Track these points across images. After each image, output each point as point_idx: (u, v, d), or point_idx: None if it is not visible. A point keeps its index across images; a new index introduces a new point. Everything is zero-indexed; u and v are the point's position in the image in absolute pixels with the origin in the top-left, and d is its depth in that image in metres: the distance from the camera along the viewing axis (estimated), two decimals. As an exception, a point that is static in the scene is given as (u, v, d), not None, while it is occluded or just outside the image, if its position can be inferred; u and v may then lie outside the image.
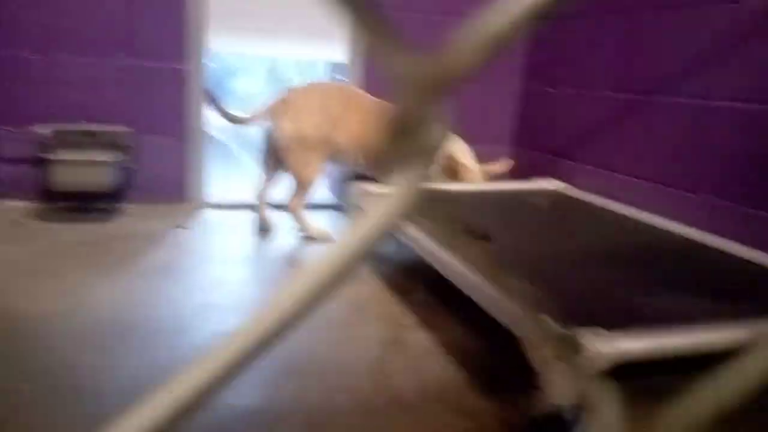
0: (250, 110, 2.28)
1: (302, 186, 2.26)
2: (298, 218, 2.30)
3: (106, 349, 1.36)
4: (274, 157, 2.30)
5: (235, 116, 2.26)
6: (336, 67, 2.99)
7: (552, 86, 2.69)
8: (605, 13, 2.33)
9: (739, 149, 1.77)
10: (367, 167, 2.39)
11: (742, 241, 1.70)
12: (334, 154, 2.30)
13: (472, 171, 2.37)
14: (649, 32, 2.12)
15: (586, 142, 2.47)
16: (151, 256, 2.00)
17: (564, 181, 2.48)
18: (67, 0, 2.31)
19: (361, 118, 2.30)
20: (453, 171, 2.37)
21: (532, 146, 2.84)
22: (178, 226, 2.35)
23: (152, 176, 2.56)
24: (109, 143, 2.39)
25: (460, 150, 2.37)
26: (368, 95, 2.43)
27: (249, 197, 2.43)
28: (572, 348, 1.02)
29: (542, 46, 2.75)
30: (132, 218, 2.42)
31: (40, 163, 2.31)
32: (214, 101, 2.20)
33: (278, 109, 2.25)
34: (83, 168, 2.26)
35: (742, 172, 1.76)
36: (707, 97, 1.87)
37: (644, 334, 1.06)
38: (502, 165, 2.46)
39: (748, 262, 1.57)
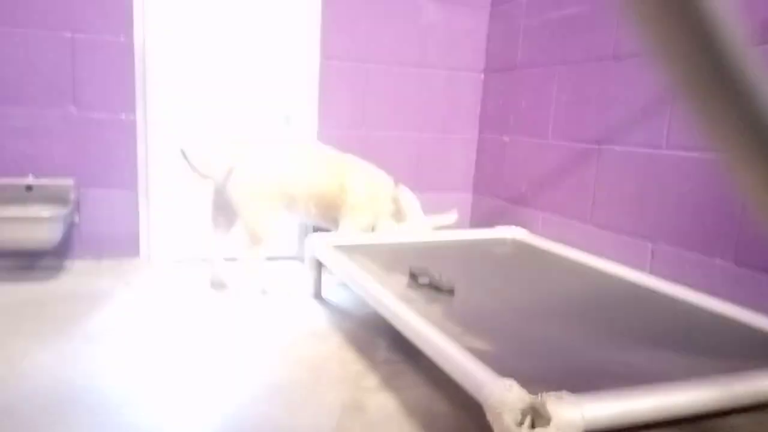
0: (210, 165, 2.19)
1: (257, 240, 2.19)
2: (253, 273, 2.23)
3: (40, 427, 1.24)
4: (226, 211, 2.22)
5: (203, 172, 2.17)
6: (287, 117, 2.97)
7: (506, 135, 2.73)
8: (553, 65, 2.39)
9: (689, 196, 1.80)
10: (316, 217, 2.36)
11: (699, 288, 1.71)
12: (287, 205, 2.25)
13: (417, 223, 2.40)
14: (597, 83, 2.18)
15: (541, 190, 2.50)
16: (96, 318, 1.88)
17: (524, 227, 2.48)
18: (8, 49, 2.23)
19: (315, 169, 2.28)
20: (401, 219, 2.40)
21: (491, 193, 2.86)
22: (128, 283, 2.23)
23: (100, 230, 2.45)
24: (51, 197, 2.29)
25: (407, 200, 2.37)
26: (321, 145, 2.42)
27: (203, 250, 2.35)
28: (536, 416, 0.98)
29: (495, 96, 2.80)
30: (77, 276, 2.30)
31: (-23, 220, 2.18)
32: (186, 158, 2.13)
33: (231, 158, 2.17)
34: (22, 224, 2.13)
35: (694, 218, 1.79)
36: (657, 146, 1.92)
37: (612, 396, 1.03)
38: (449, 217, 2.48)
39: (711, 312, 1.58)
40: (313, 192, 2.27)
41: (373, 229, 2.41)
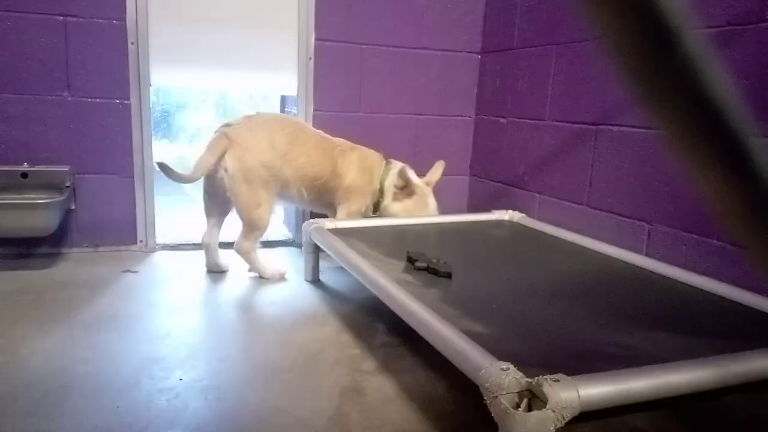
0: (195, 164, 2.13)
1: (252, 226, 2.18)
2: (249, 260, 2.22)
3: (39, 412, 1.25)
4: (220, 199, 2.19)
5: (185, 176, 2.10)
6: (287, 99, 2.95)
7: (502, 117, 2.72)
8: (550, 44, 2.37)
9: (686, 176, 1.80)
10: (310, 202, 2.35)
11: (696, 269, 1.72)
12: (280, 190, 2.24)
13: (419, 185, 2.40)
14: (594, 62, 2.16)
15: (539, 172, 2.49)
16: (94, 305, 1.88)
17: (521, 211, 2.48)
18: (1, 36, 2.20)
19: (306, 151, 2.25)
20: (407, 191, 2.37)
21: (488, 176, 2.85)
22: (125, 271, 2.24)
23: (98, 217, 2.44)
24: (47, 184, 2.28)
25: (403, 171, 2.35)
26: (312, 128, 2.40)
27: (200, 237, 2.34)
28: (533, 399, 0.98)
29: (492, 77, 2.78)
30: (75, 263, 2.30)
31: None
32: (166, 170, 2.06)
33: (221, 146, 2.12)
34: (18, 211, 2.13)
35: (691, 199, 1.79)
36: (653, 126, 1.91)
37: (609, 378, 1.04)
38: (436, 169, 2.49)
39: (708, 292, 1.59)
40: (304, 174, 2.25)
41: (377, 212, 2.40)
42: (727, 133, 0.22)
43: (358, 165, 2.35)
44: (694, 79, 0.21)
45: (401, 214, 2.36)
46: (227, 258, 2.31)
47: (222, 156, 2.12)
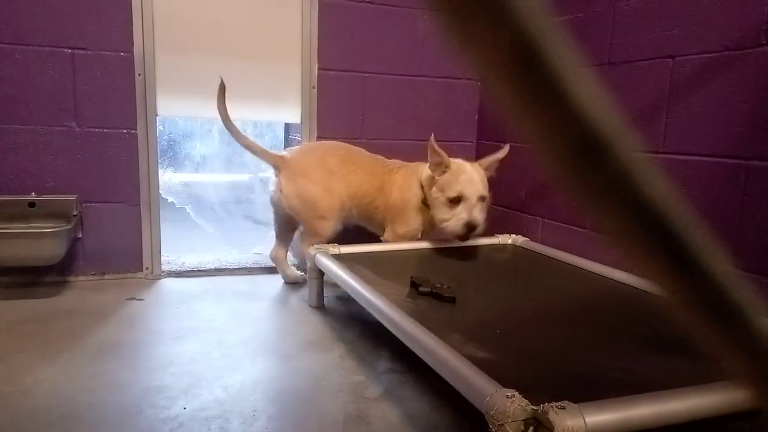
0: (256, 144, 2.38)
1: (313, 234, 2.31)
2: (282, 263, 2.46)
3: (43, 446, 1.25)
4: (282, 217, 2.40)
5: (252, 143, 2.35)
6: (291, 126, 2.99)
7: (503, 141, 2.74)
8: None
9: (687, 200, 1.80)
10: (365, 222, 2.42)
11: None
12: (340, 207, 2.33)
13: (455, 161, 2.11)
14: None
15: (540, 196, 2.50)
16: (98, 333, 1.88)
17: (523, 234, 2.49)
18: (9, 67, 2.25)
19: (355, 170, 2.33)
20: (441, 169, 2.11)
21: (491, 200, 2.86)
22: (130, 298, 2.24)
23: (104, 245, 2.46)
24: (54, 213, 2.30)
25: (431, 142, 2.11)
26: (368, 153, 2.44)
27: (207, 262, 2.35)
28: (539, 426, 0.97)
29: (491, 103, 2.81)
30: (81, 291, 2.30)
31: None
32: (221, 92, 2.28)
33: (274, 158, 2.33)
34: (25, 240, 2.15)
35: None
36: (653, 150, 1.92)
37: (615, 404, 1.03)
38: (496, 153, 2.20)
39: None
40: (353, 192, 2.31)
41: (435, 228, 2.19)
42: (671, 233, 0.23)
43: (402, 180, 2.27)
44: (632, 186, 0.22)
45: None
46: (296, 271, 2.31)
47: (272, 164, 2.34)
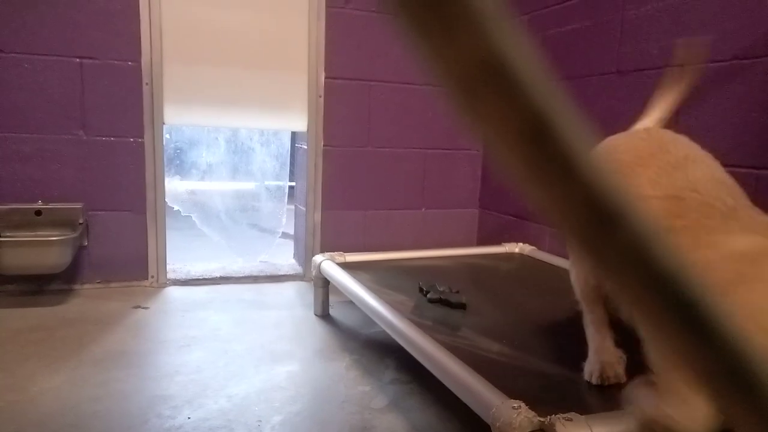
0: None
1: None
2: None
3: (47, 455, 1.24)
4: None
5: None
6: (297, 135, 2.99)
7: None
8: (556, 80, 2.40)
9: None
10: None
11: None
12: None
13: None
14: (600, 97, 2.18)
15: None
16: (104, 341, 1.88)
17: (531, 243, 2.47)
18: (17, 76, 2.27)
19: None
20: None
21: (497, 209, 2.85)
22: (135, 306, 2.24)
23: (110, 253, 2.46)
24: (60, 221, 2.31)
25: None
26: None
27: (213, 271, 2.35)
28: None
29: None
30: (86, 300, 2.31)
31: (-13, 245, 2.21)
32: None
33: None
34: (31, 248, 2.15)
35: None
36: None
37: (622, 417, 1.01)
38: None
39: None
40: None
41: None
42: (683, 301, 0.23)
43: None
44: (643, 255, 0.22)
45: None
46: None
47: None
